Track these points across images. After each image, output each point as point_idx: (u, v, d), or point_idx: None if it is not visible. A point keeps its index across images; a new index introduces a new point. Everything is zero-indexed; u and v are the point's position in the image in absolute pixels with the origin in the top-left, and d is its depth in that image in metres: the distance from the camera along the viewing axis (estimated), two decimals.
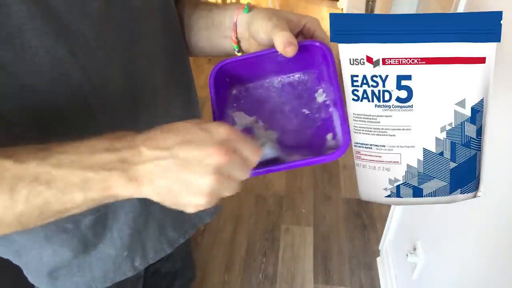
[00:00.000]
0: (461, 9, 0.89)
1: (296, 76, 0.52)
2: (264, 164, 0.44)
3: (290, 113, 0.51)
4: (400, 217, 1.35)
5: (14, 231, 0.36)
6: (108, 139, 0.35)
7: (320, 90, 0.51)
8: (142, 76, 0.50)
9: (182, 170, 0.34)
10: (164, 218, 0.62)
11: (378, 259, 1.58)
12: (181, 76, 0.60)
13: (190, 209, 0.36)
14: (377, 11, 2.23)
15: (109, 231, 0.55)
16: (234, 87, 0.53)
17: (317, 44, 0.45)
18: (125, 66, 0.47)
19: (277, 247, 1.68)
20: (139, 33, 0.48)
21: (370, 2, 2.31)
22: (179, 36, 0.57)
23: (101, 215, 0.53)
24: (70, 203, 0.35)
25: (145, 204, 0.57)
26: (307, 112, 0.50)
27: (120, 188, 0.34)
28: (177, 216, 0.65)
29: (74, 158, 0.34)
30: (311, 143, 0.49)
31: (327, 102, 0.50)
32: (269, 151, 0.46)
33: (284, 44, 0.42)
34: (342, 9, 4.23)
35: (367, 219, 1.79)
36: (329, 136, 0.48)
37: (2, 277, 0.96)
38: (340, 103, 0.45)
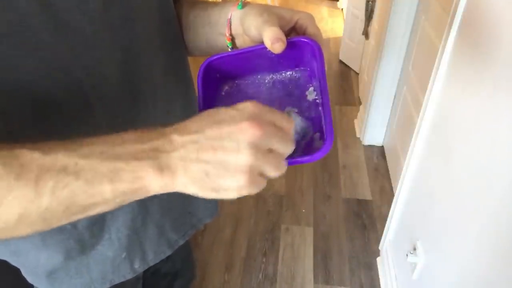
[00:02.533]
0: (461, 9, 0.89)
1: (288, 73, 0.51)
2: None
3: (279, 111, 0.50)
4: (400, 217, 1.35)
5: (37, 231, 0.34)
6: (138, 132, 0.34)
7: (311, 88, 0.50)
8: (140, 74, 0.50)
9: (217, 149, 0.32)
10: (163, 219, 0.62)
11: (378, 259, 1.58)
12: (180, 74, 0.60)
13: (232, 193, 0.34)
14: (377, 11, 2.23)
15: (106, 232, 0.55)
16: (226, 82, 0.52)
17: (306, 40, 0.44)
18: (124, 64, 0.47)
19: (277, 247, 1.68)
20: (138, 31, 0.48)
21: (370, 2, 2.30)
22: (178, 35, 0.58)
23: (99, 216, 0.52)
24: (98, 196, 0.32)
25: (144, 204, 0.57)
26: (296, 110, 0.49)
27: (152, 178, 0.32)
28: (176, 217, 0.64)
29: (103, 148, 0.33)
30: (299, 142, 0.48)
31: (318, 101, 0.49)
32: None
33: (272, 40, 0.41)
34: (342, 9, 4.23)
35: (367, 219, 1.79)
36: (317, 135, 0.47)
37: (1, 277, 0.96)
38: (326, 101, 0.43)
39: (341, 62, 3.21)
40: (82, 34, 0.41)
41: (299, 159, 0.41)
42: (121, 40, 0.46)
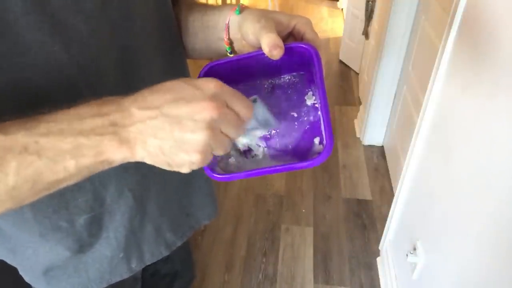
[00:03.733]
0: (461, 9, 0.89)
1: (287, 78, 0.51)
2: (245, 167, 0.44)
3: (278, 116, 0.50)
4: (400, 217, 1.35)
5: (8, 208, 0.35)
6: (96, 105, 0.35)
7: (310, 93, 0.50)
8: (138, 74, 0.50)
9: (174, 127, 0.33)
10: (161, 220, 0.62)
11: (378, 259, 1.58)
12: (178, 75, 0.60)
13: (185, 168, 0.35)
14: (377, 11, 2.23)
15: (105, 231, 0.55)
16: None
17: (304, 46, 0.44)
18: (121, 63, 0.47)
19: (277, 247, 1.68)
20: (135, 31, 0.48)
21: (370, 2, 2.30)
22: (176, 36, 0.58)
23: (97, 215, 0.53)
24: (63, 172, 0.34)
25: (141, 204, 0.57)
26: (295, 115, 0.49)
27: (113, 151, 0.34)
28: (174, 218, 0.64)
29: (63, 125, 0.33)
30: (298, 146, 0.48)
31: (316, 105, 0.49)
32: (245, 140, 0.45)
33: (270, 47, 0.41)
34: (342, 9, 4.23)
35: (367, 219, 1.79)
36: (317, 140, 0.48)
37: (1, 277, 0.96)
38: (324, 106, 0.43)
39: (341, 62, 3.21)
40: (78, 33, 0.41)
41: (298, 165, 0.41)
42: (118, 39, 0.46)
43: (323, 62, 0.45)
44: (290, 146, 0.48)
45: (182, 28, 0.58)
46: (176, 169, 0.35)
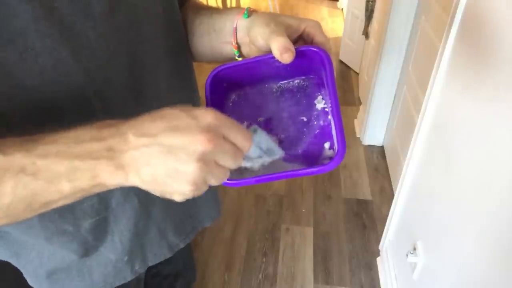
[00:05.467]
0: (461, 9, 0.89)
1: (296, 81, 0.51)
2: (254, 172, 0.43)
3: (288, 120, 0.49)
4: (400, 217, 1.35)
5: (3, 224, 0.36)
6: (95, 128, 0.35)
7: (320, 97, 0.49)
8: (145, 79, 0.50)
9: (167, 157, 0.33)
10: (165, 223, 0.61)
11: (378, 259, 1.58)
12: (185, 79, 0.60)
13: (177, 197, 0.36)
14: (377, 11, 2.23)
15: (110, 235, 0.55)
16: (234, 91, 0.51)
17: (315, 49, 0.43)
18: (128, 69, 0.47)
19: (277, 247, 1.68)
20: (142, 36, 0.48)
21: (370, 2, 2.30)
22: (183, 40, 0.57)
23: (102, 219, 0.52)
24: (58, 194, 0.34)
25: (146, 208, 0.57)
26: (305, 119, 0.49)
27: (108, 176, 0.34)
28: (178, 221, 0.64)
29: (60, 148, 0.34)
30: (308, 151, 0.47)
31: (326, 109, 0.48)
32: (255, 151, 0.44)
33: (281, 51, 0.41)
34: (342, 9, 4.23)
35: (367, 219, 1.79)
36: (327, 144, 0.47)
37: (2, 277, 0.96)
38: (336, 110, 0.43)
39: (341, 62, 3.21)
40: (86, 39, 0.41)
41: (309, 170, 0.41)
42: (126, 44, 0.46)
43: (333, 65, 0.44)
44: (300, 151, 0.48)
45: (188, 31, 0.58)
46: (168, 197, 0.36)
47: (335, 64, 3.20)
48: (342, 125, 0.42)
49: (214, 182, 0.36)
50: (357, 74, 2.96)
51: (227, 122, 0.35)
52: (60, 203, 0.36)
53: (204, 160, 0.33)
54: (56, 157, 0.33)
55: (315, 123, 0.48)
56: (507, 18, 0.71)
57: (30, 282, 0.57)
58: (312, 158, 0.46)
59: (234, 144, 0.36)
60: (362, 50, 2.75)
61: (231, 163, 0.36)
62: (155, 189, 0.35)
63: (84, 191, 0.35)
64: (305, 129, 0.49)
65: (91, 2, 0.41)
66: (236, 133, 0.36)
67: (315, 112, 0.49)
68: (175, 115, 0.35)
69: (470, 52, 0.86)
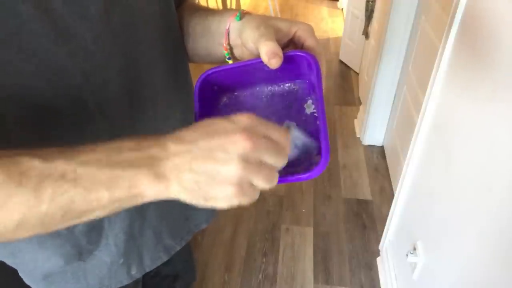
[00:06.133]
0: (461, 9, 0.89)
1: (287, 85, 0.50)
2: None
3: (277, 124, 0.49)
4: (400, 217, 1.35)
5: (36, 233, 0.35)
6: (133, 140, 0.35)
7: (310, 101, 0.49)
8: (141, 80, 0.50)
9: (207, 160, 0.33)
10: (160, 225, 0.61)
11: (378, 259, 1.58)
12: (181, 80, 0.60)
13: (221, 202, 0.34)
14: (377, 11, 2.23)
15: (104, 238, 0.55)
16: (225, 94, 0.51)
17: (303, 54, 0.42)
18: (125, 70, 0.47)
19: (277, 247, 1.68)
20: (139, 37, 0.48)
21: (370, 2, 2.30)
22: (179, 41, 0.57)
23: (96, 222, 0.52)
24: (96, 202, 0.33)
25: (141, 211, 0.57)
26: (295, 124, 0.48)
27: (148, 185, 0.33)
28: (173, 223, 0.64)
29: (101, 156, 0.33)
30: (299, 159, 0.46)
31: (316, 114, 0.48)
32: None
33: (269, 55, 0.41)
34: (342, 9, 4.23)
35: (367, 219, 1.79)
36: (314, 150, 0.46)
37: (2, 277, 0.96)
38: (322, 117, 0.41)
39: (341, 62, 3.21)
40: (82, 40, 0.41)
41: (292, 178, 0.40)
42: (122, 45, 0.46)
43: (323, 69, 0.43)
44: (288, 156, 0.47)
45: (184, 32, 0.58)
46: (213, 204, 0.35)
47: (335, 64, 3.21)
48: (327, 133, 0.41)
49: (262, 183, 0.34)
50: (357, 74, 2.96)
51: (262, 121, 0.35)
52: (96, 214, 0.35)
53: (247, 160, 0.33)
54: (96, 165, 0.33)
55: (304, 127, 0.48)
56: (506, 18, 0.71)
57: (26, 281, 0.57)
58: (300, 163, 0.45)
59: (274, 141, 0.35)
60: (362, 50, 2.75)
61: (276, 161, 0.35)
62: (198, 195, 0.34)
63: (122, 201, 0.34)
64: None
65: (86, 3, 0.41)
66: (274, 131, 0.35)
67: (304, 117, 0.48)
68: (213, 122, 0.35)
69: (470, 52, 0.86)
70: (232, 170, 0.32)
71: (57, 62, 0.40)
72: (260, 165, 0.34)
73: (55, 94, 0.41)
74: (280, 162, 0.35)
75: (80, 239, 0.52)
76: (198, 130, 0.34)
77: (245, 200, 0.34)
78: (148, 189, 0.34)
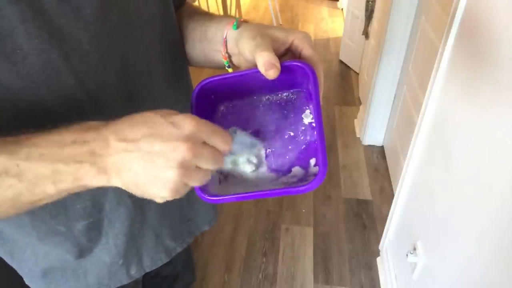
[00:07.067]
0: (461, 9, 0.89)
1: (284, 94, 0.49)
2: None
3: (275, 134, 0.48)
4: (400, 217, 1.35)
5: None
6: (77, 131, 0.36)
7: (308, 111, 0.48)
8: (139, 81, 0.49)
9: (147, 163, 0.34)
10: (161, 226, 0.61)
11: (378, 259, 1.58)
12: (180, 82, 0.59)
13: (158, 200, 0.37)
14: (377, 11, 2.23)
15: (104, 238, 0.55)
16: (222, 103, 0.51)
17: (299, 64, 0.42)
18: (121, 71, 0.47)
19: (277, 247, 1.68)
20: (136, 38, 0.48)
21: (370, 2, 2.30)
22: (179, 43, 0.57)
23: (95, 221, 0.52)
24: (42, 194, 0.36)
25: (141, 212, 0.57)
26: (292, 134, 0.48)
27: (90, 179, 0.35)
28: (174, 225, 0.64)
29: (43, 151, 0.35)
30: (293, 167, 0.46)
31: (314, 124, 0.47)
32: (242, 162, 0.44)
33: (266, 67, 0.40)
34: (342, 9, 4.23)
35: (367, 219, 1.79)
36: (312, 161, 0.46)
37: (1, 277, 0.96)
38: (318, 129, 0.41)
39: (341, 62, 3.21)
40: (76, 40, 0.41)
41: (286, 190, 0.41)
42: (119, 46, 0.46)
43: (320, 79, 0.43)
44: (285, 167, 0.47)
45: (183, 36, 0.58)
46: (150, 198, 0.37)
47: (335, 64, 3.21)
48: (324, 144, 0.40)
49: (195, 184, 0.37)
50: (357, 74, 2.96)
51: (207, 127, 0.36)
52: (45, 202, 0.37)
53: (184, 166, 0.34)
54: (39, 159, 0.34)
55: (302, 138, 0.47)
56: (506, 18, 0.71)
57: (26, 280, 0.57)
58: (298, 175, 0.45)
59: (214, 148, 0.37)
60: (362, 50, 2.75)
61: (211, 166, 0.37)
62: (136, 192, 0.36)
63: (67, 191, 0.36)
64: (290, 146, 0.48)
65: (81, 3, 0.40)
66: (216, 138, 0.37)
67: (302, 127, 0.48)
68: (156, 121, 0.35)
69: (470, 52, 0.86)
70: (169, 176, 0.34)
71: (51, 63, 0.39)
72: (196, 169, 0.36)
73: (49, 95, 0.41)
74: (215, 167, 0.38)
75: (80, 237, 0.52)
76: (141, 126, 0.35)
77: (177, 197, 0.37)
78: (92, 181, 0.36)
